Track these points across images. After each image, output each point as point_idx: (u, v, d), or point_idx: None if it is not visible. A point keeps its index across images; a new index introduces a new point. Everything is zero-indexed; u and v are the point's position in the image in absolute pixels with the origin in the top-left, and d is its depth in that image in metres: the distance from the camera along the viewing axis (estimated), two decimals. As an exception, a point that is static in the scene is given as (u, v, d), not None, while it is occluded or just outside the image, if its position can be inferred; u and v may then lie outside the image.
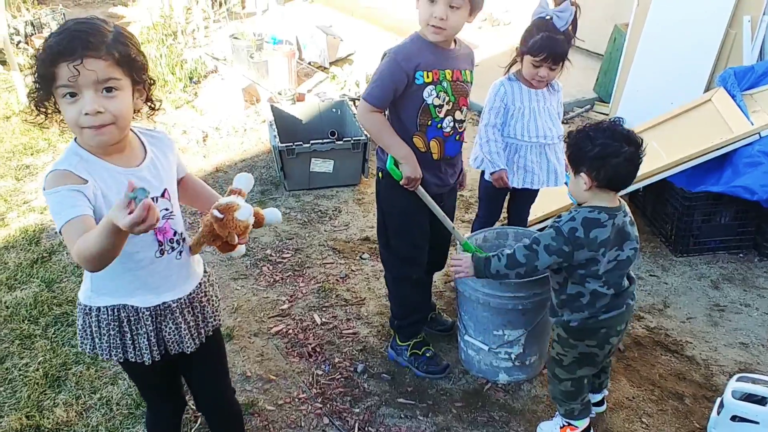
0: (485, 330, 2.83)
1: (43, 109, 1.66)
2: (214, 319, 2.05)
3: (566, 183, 3.31)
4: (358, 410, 2.76)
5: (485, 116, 3.13)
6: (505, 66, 3.15)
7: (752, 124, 3.69)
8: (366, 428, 2.67)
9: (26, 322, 3.22)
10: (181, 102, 5.78)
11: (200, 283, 1.99)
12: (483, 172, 3.20)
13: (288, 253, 3.83)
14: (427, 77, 2.51)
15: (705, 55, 4.65)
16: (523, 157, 3.12)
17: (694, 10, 4.64)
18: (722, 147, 3.67)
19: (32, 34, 6.66)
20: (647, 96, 4.80)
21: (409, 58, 2.49)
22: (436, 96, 2.53)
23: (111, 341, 1.85)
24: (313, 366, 3.00)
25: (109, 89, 1.60)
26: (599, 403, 2.72)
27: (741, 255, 3.84)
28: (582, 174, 2.22)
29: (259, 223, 1.91)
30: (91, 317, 1.85)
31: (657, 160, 3.80)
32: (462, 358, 3.02)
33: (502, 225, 3.43)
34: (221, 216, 1.75)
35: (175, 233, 1.85)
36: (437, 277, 3.41)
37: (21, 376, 2.90)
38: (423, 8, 2.46)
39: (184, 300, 1.93)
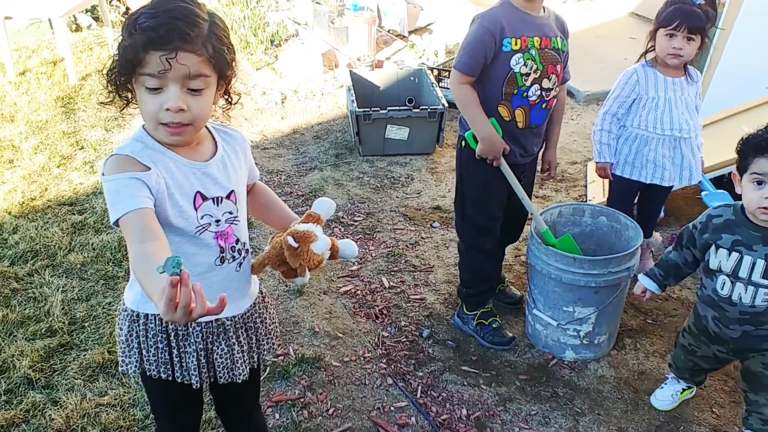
0: (555, 305, 2.79)
1: (125, 95, 1.53)
2: (268, 344, 1.88)
3: (701, 183, 3.21)
4: (421, 374, 2.78)
5: (607, 102, 2.99)
6: (641, 53, 2.95)
7: None
8: (429, 392, 2.69)
9: (110, 264, 3.35)
10: (262, 64, 5.85)
11: (255, 303, 1.82)
12: (613, 165, 3.05)
13: (360, 216, 3.86)
14: (515, 44, 2.46)
15: None
16: (654, 151, 2.92)
17: None
18: None
19: (123, -10, 6.83)
20: (740, 79, 4.51)
21: (497, 23, 2.45)
22: (524, 64, 2.49)
23: (159, 355, 1.69)
24: (380, 327, 3.03)
25: (196, 88, 1.46)
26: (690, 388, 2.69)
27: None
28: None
29: (333, 255, 1.70)
30: (139, 325, 1.69)
31: None
32: (529, 332, 3.00)
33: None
34: (296, 245, 1.60)
35: (237, 241, 1.68)
36: (508, 250, 3.37)
37: (104, 314, 3.03)
38: None
39: (239, 319, 1.77)
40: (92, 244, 3.48)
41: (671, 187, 3.10)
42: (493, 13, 2.50)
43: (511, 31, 2.45)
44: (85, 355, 2.79)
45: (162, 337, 1.68)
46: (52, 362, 2.75)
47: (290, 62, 5.76)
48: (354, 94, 4.57)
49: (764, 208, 2.01)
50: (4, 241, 3.50)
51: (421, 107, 4.46)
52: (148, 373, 1.72)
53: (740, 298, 2.15)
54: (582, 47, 6.24)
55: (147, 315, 1.67)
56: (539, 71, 2.52)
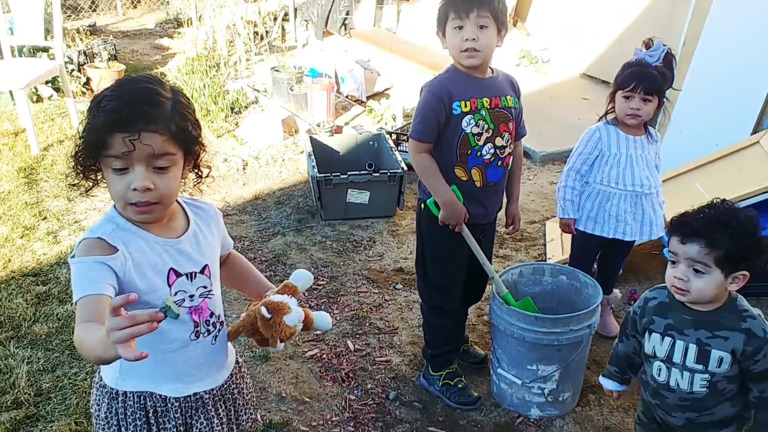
0: (518, 364, 2.84)
1: (92, 177, 1.56)
2: (246, 414, 1.90)
3: (663, 239, 3.25)
4: (389, 437, 2.79)
5: (571, 160, 3.09)
6: (602, 114, 3.07)
7: (802, 168, 3.56)
8: (397, 455, 2.70)
9: (75, 334, 3.32)
10: (223, 131, 5.93)
11: (232, 374, 1.84)
12: (576, 221, 3.13)
13: (323, 280, 3.90)
14: (465, 106, 2.55)
15: (753, 96, 4.52)
16: (616, 206, 3.01)
17: (741, 51, 4.55)
18: None
19: (85, 63, 6.93)
20: (691, 137, 4.66)
21: (444, 89, 2.55)
22: (475, 125, 2.57)
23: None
24: (346, 391, 3.04)
25: (161, 167, 1.50)
26: None
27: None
28: (741, 273, 1.87)
29: (306, 327, 1.74)
30: (118, 402, 1.68)
31: (700, 201, 3.75)
32: (494, 391, 3.03)
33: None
34: (269, 316, 1.63)
35: (211, 314, 1.71)
36: (471, 310, 3.43)
37: (71, 384, 2.99)
38: (451, 38, 2.51)
39: (217, 392, 1.78)
40: (57, 315, 3.44)
41: (633, 242, 3.18)
42: (440, 80, 2.60)
43: (458, 95, 2.55)
44: (51, 427, 2.74)
45: (140, 414, 1.68)
46: (16, 436, 2.69)
47: (251, 129, 5.85)
48: (315, 160, 4.66)
49: (675, 287, 1.93)
50: (-34, 313, 3.44)
51: (381, 171, 4.56)
52: None
53: (678, 384, 2.03)
54: (536, 109, 6.41)
55: (126, 393, 1.67)
56: (491, 130, 2.60)
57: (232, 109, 6.30)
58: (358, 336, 3.43)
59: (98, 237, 1.53)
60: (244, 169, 5.30)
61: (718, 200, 1.94)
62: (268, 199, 4.88)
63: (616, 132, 3.00)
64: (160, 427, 1.70)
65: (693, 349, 1.96)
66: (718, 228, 1.84)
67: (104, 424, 1.71)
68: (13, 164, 5.14)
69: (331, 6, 7.49)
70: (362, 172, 4.54)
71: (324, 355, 3.27)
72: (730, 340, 1.90)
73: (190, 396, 1.72)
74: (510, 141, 2.70)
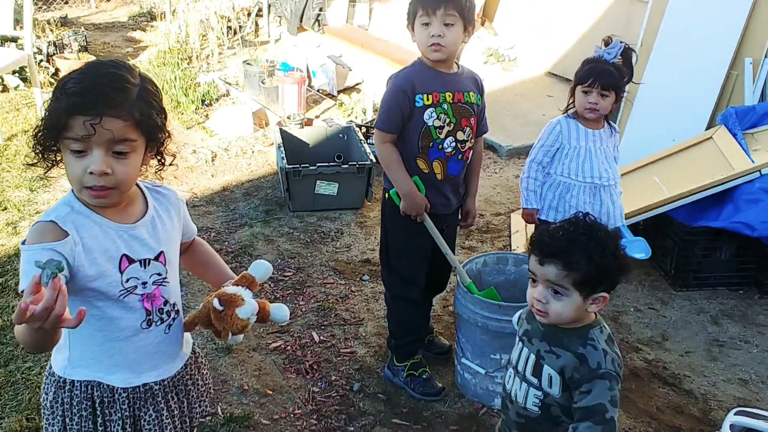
0: (482, 353, 2.83)
1: (51, 158, 1.52)
2: (201, 407, 1.84)
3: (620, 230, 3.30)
4: (352, 428, 2.76)
5: (533, 152, 3.16)
6: (564, 108, 3.15)
7: (753, 162, 3.73)
8: (360, 446, 2.67)
9: (30, 327, 3.24)
10: (193, 123, 5.86)
11: (187, 364, 1.78)
12: (538, 211, 3.19)
13: (290, 271, 3.86)
14: (427, 99, 2.60)
15: (707, 94, 4.71)
16: (575, 197, 3.09)
17: (696, 51, 4.74)
18: (723, 183, 3.70)
19: (54, 54, 6.80)
20: (649, 133, 4.84)
21: (408, 81, 2.60)
22: (437, 118, 2.62)
23: (83, 423, 1.64)
24: (310, 383, 3.00)
25: (121, 152, 1.47)
26: None
27: (741, 291, 3.85)
28: (600, 295, 1.75)
29: (263, 319, 1.70)
30: (65, 391, 1.64)
31: (658, 194, 3.85)
32: (458, 381, 3.02)
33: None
34: (221, 308, 1.61)
35: (165, 302, 1.66)
36: (436, 300, 3.42)
37: (23, 379, 2.92)
38: (419, 33, 2.57)
39: (168, 383, 1.72)
40: (12, 307, 3.36)
41: None
42: (405, 73, 2.66)
43: (421, 88, 2.59)
44: (1, 423, 2.68)
45: (86, 404, 1.63)
46: (-34, 431, 2.63)
47: (221, 121, 5.79)
48: (284, 151, 4.61)
49: (535, 308, 1.78)
50: None
51: (349, 163, 4.53)
52: None
53: (516, 396, 1.90)
54: (503, 105, 6.52)
55: (73, 381, 1.63)
56: (452, 124, 2.65)
57: (203, 101, 6.23)
58: (323, 327, 3.39)
59: (51, 220, 1.50)
60: (213, 160, 5.24)
61: (581, 215, 1.80)
62: (236, 190, 4.82)
63: (576, 125, 3.08)
64: (106, 418, 1.65)
65: (532, 359, 1.85)
66: (575, 249, 1.70)
67: (49, 414, 1.67)
68: (-26, 154, 5.03)
69: (306, 3, 7.46)
70: (331, 164, 4.51)
71: (288, 347, 3.23)
72: (562, 359, 1.77)
73: (139, 387, 1.67)
74: (471, 136, 2.74)
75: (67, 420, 1.65)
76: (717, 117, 4.39)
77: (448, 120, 2.63)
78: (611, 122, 3.17)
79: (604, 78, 2.93)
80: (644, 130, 4.87)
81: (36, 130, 1.51)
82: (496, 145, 5.59)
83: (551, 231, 1.79)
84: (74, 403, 1.64)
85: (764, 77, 4.54)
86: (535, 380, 1.83)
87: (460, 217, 2.98)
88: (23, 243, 1.48)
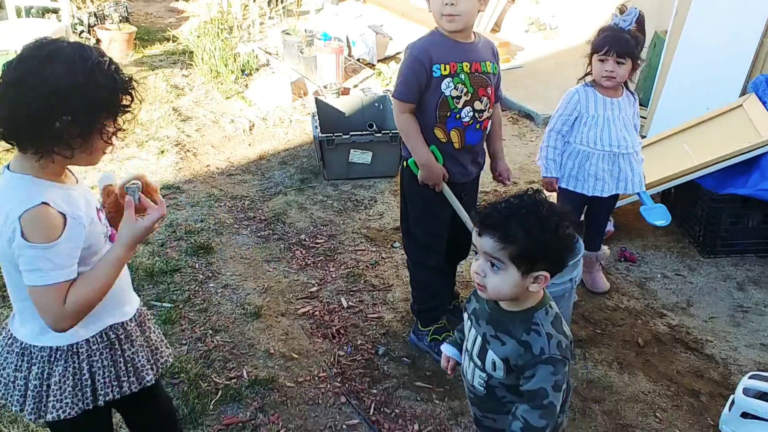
0: (506, 320, 2.84)
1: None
2: (165, 353, 1.92)
3: (640, 197, 3.26)
4: (375, 391, 2.81)
5: (552, 121, 3.20)
6: (580, 77, 3.17)
7: (781, 130, 3.63)
8: (382, 409, 2.72)
9: None
10: (232, 92, 5.93)
11: (139, 310, 1.88)
12: (558, 179, 3.23)
13: (322, 238, 3.91)
14: (444, 69, 2.59)
15: (740, 62, 4.67)
16: (594, 165, 3.12)
17: (729, 19, 4.68)
18: (751, 150, 3.63)
19: (95, 25, 6.91)
20: (684, 101, 4.81)
21: (425, 51, 2.60)
22: (454, 87, 2.61)
23: (111, 371, 1.72)
24: (336, 347, 3.06)
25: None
26: None
27: (768, 258, 3.78)
28: (539, 274, 1.66)
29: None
30: (81, 356, 1.69)
31: (687, 162, 3.83)
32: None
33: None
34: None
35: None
36: (464, 266, 3.43)
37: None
38: (434, 2, 2.56)
39: (136, 316, 1.83)
40: None
41: (615, 199, 3.30)
42: (422, 43, 2.65)
43: (438, 58, 2.58)
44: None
45: (107, 352, 1.72)
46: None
47: (260, 91, 5.85)
48: (318, 121, 4.65)
49: (475, 282, 1.73)
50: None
51: (383, 132, 4.54)
52: (100, 400, 1.73)
53: (465, 372, 1.89)
54: (542, 73, 6.46)
55: (88, 340, 1.70)
56: (470, 94, 2.64)
57: (242, 71, 6.29)
58: (352, 293, 3.44)
59: (42, 203, 1.53)
60: (250, 130, 5.31)
61: (531, 191, 1.72)
62: (272, 159, 4.89)
63: (594, 94, 3.09)
64: (126, 354, 1.77)
65: (479, 341, 1.80)
66: (513, 222, 1.64)
67: (70, 388, 1.69)
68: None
69: (348, -30, 7.44)
70: (364, 133, 4.53)
71: (316, 312, 3.29)
72: (506, 346, 1.73)
73: (135, 316, 1.83)
74: (489, 105, 2.72)
75: (98, 378, 1.71)
76: (749, 85, 4.30)
77: (465, 90, 2.62)
78: (630, 89, 3.17)
79: (620, 46, 2.95)
80: (679, 99, 4.86)
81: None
82: (533, 113, 5.53)
83: (494, 204, 1.72)
84: (95, 360, 1.70)
85: None
86: (479, 362, 1.80)
87: (495, 178, 2.98)
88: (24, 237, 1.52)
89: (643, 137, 4.98)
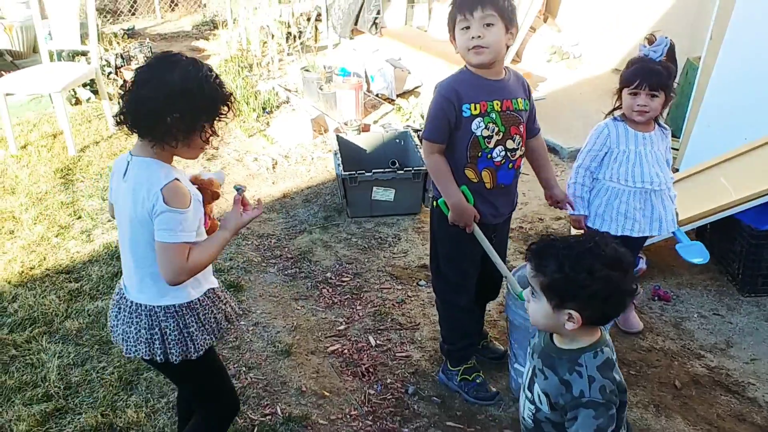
0: (534, 359, 2.88)
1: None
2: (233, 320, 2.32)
3: (675, 234, 3.21)
4: (406, 430, 2.85)
5: (580, 157, 3.12)
6: (608, 111, 3.11)
7: (826, 163, 3.53)
8: (414, 448, 2.76)
9: (105, 329, 3.43)
10: (254, 131, 6.05)
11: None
12: (586, 218, 3.17)
13: (347, 276, 3.97)
14: (474, 109, 2.59)
15: None
16: (625, 203, 3.04)
17: None
18: None
19: (122, 66, 7.12)
20: (719, 131, 4.66)
21: (452, 91, 2.60)
22: (485, 128, 2.61)
23: (213, 325, 2.15)
24: (366, 385, 3.11)
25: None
26: None
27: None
28: (570, 312, 1.71)
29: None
30: (197, 311, 2.10)
31: (725, 196, 3.73)
32: (512, 386, 3.06)
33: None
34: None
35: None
36: (492, 306, 3.48)
37: (99, 378, 3.12)
38: (460, 38, 2.57)
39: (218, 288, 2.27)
40: (88, 311, 3.59)
41: (644, 238, 3.20)
42: (449, 82, 2.65)
43: (468, 98, 2.58)
44: (79, 419, 2.88)
45: (210, 309, 2.15)
46: (47, 426, 2.84)
47: (281, 128, 5.96)
48: (341, 158, 4.73)
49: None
50: (4, 309, 3.61)
51: (405, 169, 4.62)
52: (213, 341, 2.16)
53: (520, 405, 1.96)
54: (566, 104, 6.40)
55: (199, 299, 2.11)
56: (501, 133, 2.64)
57: (264, 109, 6.41)
58: (379, 332, 3.49)
59: (175, 179, 1.94)
60: (273, 168, 5.41)
61: (609, 236, 1.79)
62: (296, 197, 4.97)
63: (624, 129, 3.02)
64: (218, 315, 2.18)
65: (530, 373, 1.89)
66: (550, 253, 1.71)
67: (177, 343, 2.08)
68: (51, 165, 5.33)
69: (362, 5, 7.55)
70: (387, 170, 4.60)
71: (345, 351, 3.34)
72: (548, 381, 1.80)
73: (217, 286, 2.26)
74: (521, 143, 2.73)
75: (206, 326, 2.13)
76: None
77: (496, 129, 2.62)
78: (661, 123, 3.09)
79: (653, 78, 2.86)
80: (714, 130, 4.67)
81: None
82: (557, 146, 5.53)
83: (552, 236, 1.83)
84: (202, 316, 2.11)
85: None
86: (530, 394, 1.87)
87: (552, 204, 2.99)
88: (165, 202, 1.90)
89: (675, 171, 4.93)
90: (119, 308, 2.12)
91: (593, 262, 1.68)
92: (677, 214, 3.19)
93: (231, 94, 2.01)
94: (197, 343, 2.10)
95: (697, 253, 3.19)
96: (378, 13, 7.59)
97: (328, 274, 3.98)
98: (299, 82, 6.91)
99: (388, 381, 3.14)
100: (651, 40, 2.95)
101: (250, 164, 5.44)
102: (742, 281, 3.77)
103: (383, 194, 4.61)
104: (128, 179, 1.98)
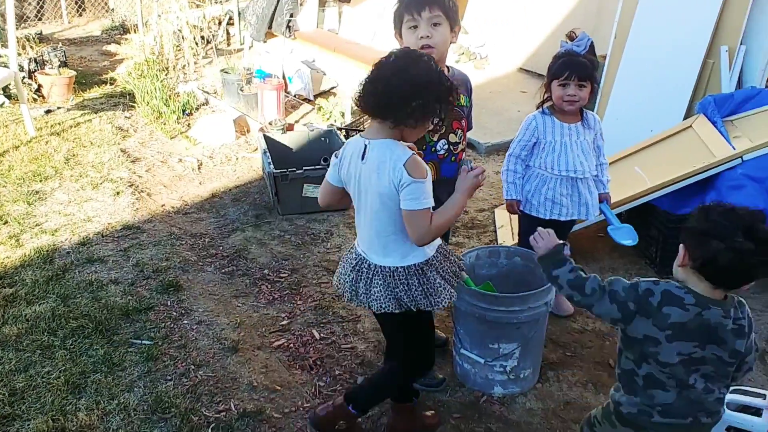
0: (480, 344, 2.95)
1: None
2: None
3: (607, 217, 3.30)
4: (360, 420, 2.87)
5: (512, 146, 3.28)
6: (538, 103, 3.25)
7: (734, 149, 3.82)
8: (369, 435, 2.78)
9: (45, 333, 3.31)
10: (176, 132, 5.93)
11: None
12: (520, 203, 3.30)
13: (285, 272, 3.96)
14: None
15: (683, 84, 4.78)
16: (552, 189, 3.20)
17: (671, 41, 4.80)
18: (705, 170, 3.78)
19: (35, 70, 6.84)
20: (626, 124, 4.91)
21: None
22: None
23: (448, 276, 2.41)
24: (315, 378, 3.11)
25: None
26: None
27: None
28: (681, 246, 1.92)
29: None
30: (435, 266, 2.37)
31: (640, 184, 3.94)
32: (458, 372, 3.13)
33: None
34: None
35: None
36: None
37: (44, 383, 2.99)
38: (408, 37, 2.63)
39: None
40: (25, 316, 3.43)
41: (572, 223, 3.39)
42: None
43: None
44: (29, 425, 2.76)
45: (443, 259, 2.44)
46: (-7, 435, 2.69)
47: (203, 130, 5.87)
48: (270, 157, 4.72)
49: None
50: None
51: (336, 166, 4.64)
52: (435, 306, 2.38)
53: None
54: (478, 102, 6.49)
55: (434, 255, 2.39)
56: (444, 127, 2.72)
57: (183, 110, 6.30)
58: (322, 325, 3.50)
59: (413, 154, 2.22)
60: (199, 168, 5.32)
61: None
62: (224, 196, 4.91)
63: (552, 120, 3.19)
64: (451, 266, 2.47)
65: None
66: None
67: (431, 290, 2.36)
68: (-31, 171, 5.04)
69: (275, 8, 7.54)
70: (317, 167, 4.63)
71: (291, 345, 3.33)
72: None
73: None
74: (462, 138, 2.83)
75: (447, 276, 2.42)
76: (695, 106, 4.47)
77: (440, 123, 2.70)
78: (589, 113, 3.26)
79: (581, 70, 3.05)
80: (622, 123, 4.93)
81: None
82: (475, 142, 5.73)
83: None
84: (441, 266, 2.41)
85: (740, 64, 4.64)
86: None
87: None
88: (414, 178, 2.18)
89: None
90: (358, 272, 2.40)
91: (714, 209, 1.87)
92: (610, 198, 3.36)
93: (453, 84, 2.26)
94: (441, 295, 2.37)
95: (626, 236, 3.27)
96: (291, 16, 7.59)
97: (266, 271, 3.96)
98: (218, 84, 6.83)
99: (337, 372, 3.16)
100: (572, 36, 3.15)
101: (175, 165, 5.33)
102: (660, 264, 3.97)
103: (314, 191, 4.63)
104: (369, 160, 2.24)
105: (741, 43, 4.65)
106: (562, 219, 3.28)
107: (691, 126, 4.23)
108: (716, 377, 1.95)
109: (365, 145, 2.26)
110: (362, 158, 2.27)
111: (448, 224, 2.37)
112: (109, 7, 10.29)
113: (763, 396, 2.57)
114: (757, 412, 2.53)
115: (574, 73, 3.05)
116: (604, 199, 3.34)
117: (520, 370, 2.99)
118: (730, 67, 4.66)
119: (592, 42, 3.12)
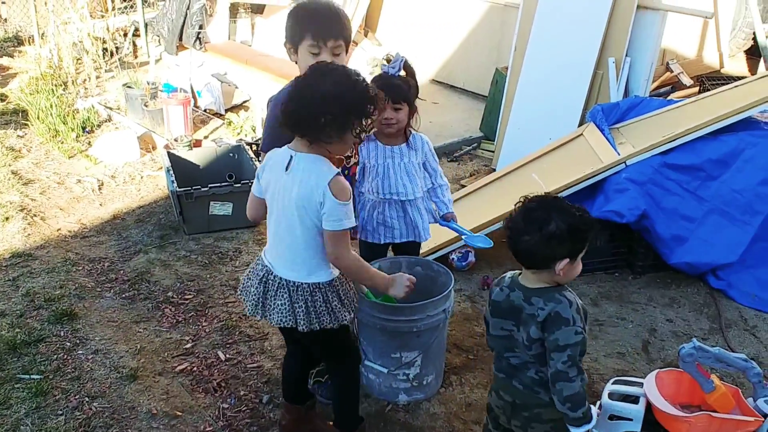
0: (383, 353, 2.99)
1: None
2: None
3: (452, 228, 3.26)
4: (265, 439, 2.85)
5: None
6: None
7: (618, 155, 4.04)
8: (274, 455, 2.76)
9: None
10: (75, 151, 5.72)
11: None
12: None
13: (190, 294, 3.88)
14: None
15: (577, 93, 5.01)
16: (382, 213, 3.14)
17: (565, 54, 5.03)
18: (594, 176, 4.00)
19: None
20: (527, 133, 5.11)
21: None
22: None
23: (347, 300, 2.46)
24: (219, 400, 3.07)
25: None
26: None
27: (616, 274, 4.16)
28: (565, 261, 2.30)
29: None
30: (337, 288, 2.42)
31: (536, 190, 3.96)
32: (363, 383, 3.13)
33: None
34: None
35: None
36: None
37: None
38: (305, 58, 2.62)
39: None
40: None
41: (415, 243, 3.30)
42: (283, 94, 2.66)
43: None
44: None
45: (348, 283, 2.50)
46: None
47: (105, 148, 5.68)
48: (174, 175, 4.61)
49: None
50: None
51: (242, 182, 4.58)
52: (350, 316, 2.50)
53: None
54: None
55: (338, 276, 2.44)
56: None
57: (83, 128, 6.09)
58: (228, 345, 3.45)
59: (337, 173, 2.27)
60: (99, 189, 5.16)
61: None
62: (127, 217, 4.78)
63: (375, 144, 3.13)
64: (351, 291, 2.51)
65: None
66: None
67: (349, 302, 2.47)
68: None
69: (184, 20, 7.39)
70: (223, 184, 4.55)
71: (194, 368, 3.27)
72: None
73: None
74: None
75: (346, 300, 2.45)
76: (587, 115, 4.70)
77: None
78: (417, 134, 3.21)
79: (394, 92, 2.99)
80: (524, 132, 5.14)
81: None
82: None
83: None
84: (343, 290, 2.44)
85: (626, 75, 4.94)
86: None
87: None
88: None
89: (492, 170, 5.30)
90: (266, 284, 2.41)
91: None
92: (455, 218, 3.29)
93: (377, 94, 2.27)
94: (339, 315, 2.40)
95: (481, 240, 3.26)
96: (201, 27, 7.45)
97: (170, 293, 3.87)
98: (121, 99, 6.64)
99: (242, 393, 3.12)
100: (389, 59, 3.15)
101: (74, 187, 5.15)
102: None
103: (221, 208, 4.56)
104: (293, 171, 2.27)
105: (626, 55, 4.92)
106: (397, 241, 3.21)
107: (582, 134, 4.44)
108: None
109: (291, 156, 2.29)
110: (286, 169, 2.29)
111: (363, 280, 2.56)
112: (2, 17, 9.80)
113: (640, 384, 2.70)
114: (635, 400, 2.66)
115: (388, 95, 2.91)
116: (450, 218, 3.28)
117: (423, 376, 3.04)
118: (617, 78, 4.94)
119: (406, 60, 3.11)
